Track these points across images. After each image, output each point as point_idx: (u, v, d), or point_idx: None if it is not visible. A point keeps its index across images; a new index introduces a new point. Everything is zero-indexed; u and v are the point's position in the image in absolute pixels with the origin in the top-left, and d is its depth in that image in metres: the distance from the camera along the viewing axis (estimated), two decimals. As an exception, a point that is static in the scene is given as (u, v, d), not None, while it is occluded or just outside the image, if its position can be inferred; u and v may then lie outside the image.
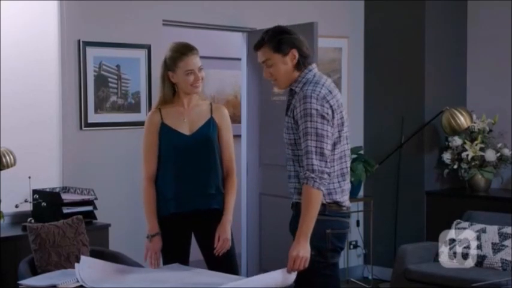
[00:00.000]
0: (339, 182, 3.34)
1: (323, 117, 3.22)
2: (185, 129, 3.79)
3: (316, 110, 3.21)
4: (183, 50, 3.76)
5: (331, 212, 3.32)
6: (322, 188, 3.21)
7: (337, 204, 3.35)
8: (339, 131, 3.31)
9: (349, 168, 3.40)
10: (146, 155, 3.83)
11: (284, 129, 3.38)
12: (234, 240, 3.84)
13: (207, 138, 3.79)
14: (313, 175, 3.19)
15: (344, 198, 3.38)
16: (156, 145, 3.81)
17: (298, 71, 3.36)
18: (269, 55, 3.34)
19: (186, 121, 3.80)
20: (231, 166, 3.87)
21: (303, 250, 3.21)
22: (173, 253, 3.83)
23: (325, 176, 3.21)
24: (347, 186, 3.40)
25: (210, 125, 3.81)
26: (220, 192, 3.82)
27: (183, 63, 3.74)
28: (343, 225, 3.41)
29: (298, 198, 3.36)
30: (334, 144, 3.29)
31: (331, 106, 3.26)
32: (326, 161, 3.21)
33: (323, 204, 3.28)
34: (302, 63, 3.35)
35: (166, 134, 3.79)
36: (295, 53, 3.33)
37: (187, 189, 3.77)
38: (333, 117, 3.26)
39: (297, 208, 3.37)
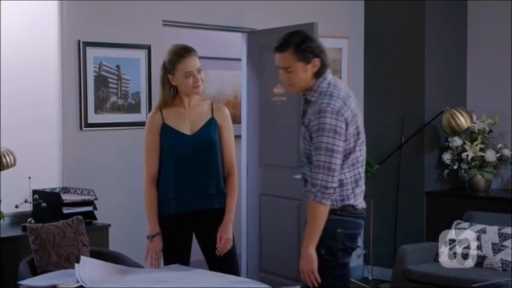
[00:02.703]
0: (352, 188, 3.38)
1: (335, 131, 3.24)
2: (186, 130, 3.79)
3: (330, 124, 3.24)
4: (180, 52, 3.76)
5: (343, 212, 3.36)
6: (325, 201, 3.26)
7: (351, 206, 3.38)
8: (354, 141, 3.34)
9: (362, 173, 3.44)
10: (147, 156, 3.83)
11: (301, 138, 3.42)
12: (235, 240, 3.85)
13: (208, 139, 3.79)
14: (314, 189, 3.24)
15: (358, 202, 3.41)
16: (157, 145, 3.81)
17: (315, 79, 3.37)
18: (291, 63, 3.34)
19: (187, 121, 3.80)
20: (232, 166, 3.87)
21: (304, 262, 3.29)
22: (174, 253, 3.84)
23: (329, 190, 3.25)
24: (360, 189, 3.43)
25: (211, 125, 3.82)
26: (222, 192, 3.83)
27: (181, 66, 3.74)
28: (355, 225, 3.43)
29: None
30: (349, 154, 3.33)
31: (345, 119, 3.28)
32: (333, 176, 3.25)
33: (334, 209, 3.33)
34: (321, 72, 3.37)
35: (167, 134, 3.78)
36: (317, 62, 3.35)
37: (188, 189, 3.77)
38: (347, 130, 3.29)
39: None
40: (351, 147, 3.32)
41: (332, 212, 3.31)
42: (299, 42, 3.34)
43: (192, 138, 3.78)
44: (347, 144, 3.30)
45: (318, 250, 3.31)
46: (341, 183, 3.31)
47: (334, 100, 3.29)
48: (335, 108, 3.26)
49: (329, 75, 3.39)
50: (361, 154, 3.41)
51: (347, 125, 3.28)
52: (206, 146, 3.78)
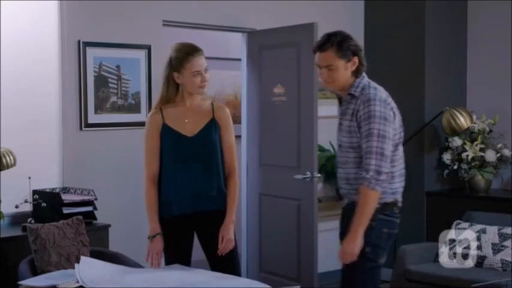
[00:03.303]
0: (400, 181, 3.47)
1: (385, 119, 3.35)
2: (187, 131, 3.78)
3: (380, 111, 3.35)
4: (189, 51, 3.75)
5: (388, 212, 3.44)
6: (379, 188, 3.32)
7: (395, 204, 3.46)
8: (399, 132, 3.45)
9: (404, 170, 3.52)
10: (148, 156, 3.82)
11: (343, 134, 3.49)
12: (236, 241, 3.84)
13: (208, 140, 3.78)
14: (368, 176, 3.30)
15: (401, 198, 3.50)
16: (158, 146, 3.79)
17: (354, 77, 3.50)
18: (333, 61, 3.46)
19: (188, 122, 3.79)
20: (232, 166, 3.86)
21: (352, 245, 3.32)
22: (175, 254, 3.83)
23: (382, 176, 3.31)
24: (403, 185, 3.53)
25: (212, 126, 3.80)
26: (222, 193, 3.81)
27: (189, 64, 3.73)
28: (396, 225, 3.52)
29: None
30: (397, 145, 3.43)
31: (392, 108, 3.42)
32: (386, 161, 3.32)
33: (387, 204, 3.41)
34: (359, 71, 3.50)
35: (167, 136, 3.77)
36: (356, 60, 3.49)
37: (189, 190, 3.75)
38: (394, 119, 3.41)
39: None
40: (397, 139, 3.42)
41: (379, 211, 3.37)
42: (340, 41, 3.46)
43: (193, 140, 3.77)
44: (394, 134, 3.39)
45: (362, 248, 3.35)
46: (392, 175, 3.39)
47: (380, 91, 3.46)
48: (382, 97, 3.41)
49: (366, 76, 3.54)
50: (402, 148, 3.50)
51: (394, 114, 3.41)
52: (207, 148, 3.77)
